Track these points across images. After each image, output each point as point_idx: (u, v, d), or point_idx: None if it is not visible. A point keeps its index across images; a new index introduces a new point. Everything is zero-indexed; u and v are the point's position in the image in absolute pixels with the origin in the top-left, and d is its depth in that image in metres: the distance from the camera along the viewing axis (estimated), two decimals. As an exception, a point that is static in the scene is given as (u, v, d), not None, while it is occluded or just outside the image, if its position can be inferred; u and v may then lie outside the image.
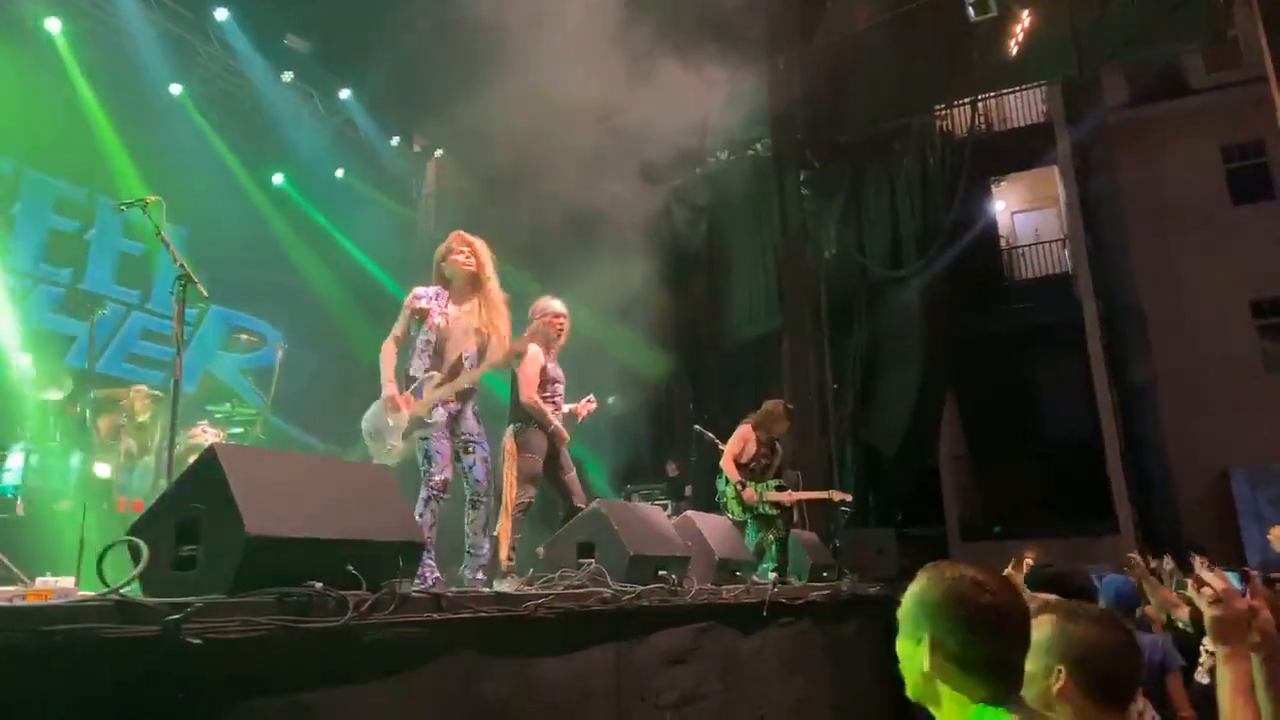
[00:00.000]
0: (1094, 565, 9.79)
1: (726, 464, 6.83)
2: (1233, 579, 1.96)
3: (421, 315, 4.53)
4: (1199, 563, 6.71)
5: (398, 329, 4.53)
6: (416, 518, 4.19)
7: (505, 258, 4.86)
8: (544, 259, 9.21)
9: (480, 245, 4.67)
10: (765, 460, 6.96)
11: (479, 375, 4.53)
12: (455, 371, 4.45)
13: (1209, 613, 1.89)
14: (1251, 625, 1.85)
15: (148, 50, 10.07)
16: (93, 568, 2.27)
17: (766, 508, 6.78)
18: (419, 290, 4.59)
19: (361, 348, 10.84)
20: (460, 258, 4.59)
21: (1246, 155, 14.53)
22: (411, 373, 4.45)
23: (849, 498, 7.73)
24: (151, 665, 1.98)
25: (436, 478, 4.30)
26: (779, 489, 6.87)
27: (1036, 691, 1.89)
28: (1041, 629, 1.92)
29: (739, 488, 6.75)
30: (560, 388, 5.30)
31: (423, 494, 4.30)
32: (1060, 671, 1.88)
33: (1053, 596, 2.59)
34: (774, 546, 6.77)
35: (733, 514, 6.80)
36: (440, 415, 4.36)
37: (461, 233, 4.70)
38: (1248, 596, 1.90)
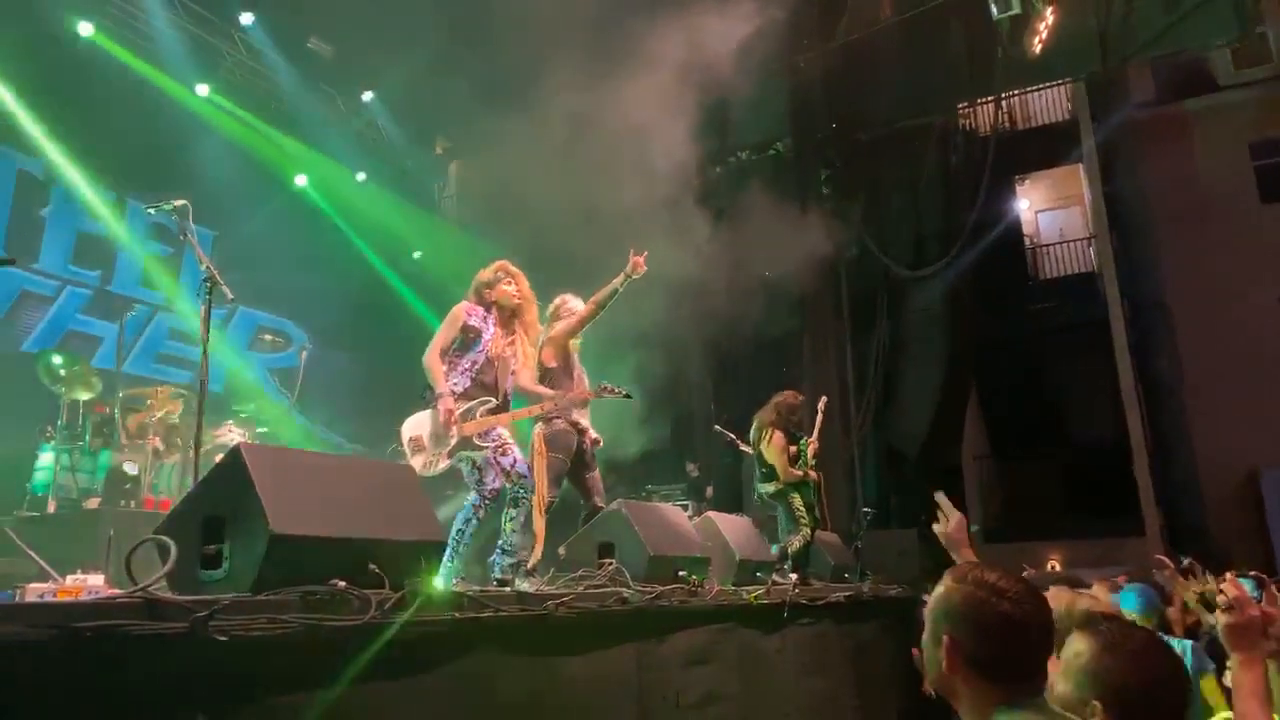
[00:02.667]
0: (1118, 568, 9.69)
1: (788, 476, 6.89)
2: (1247, 585, 1.95)
3: (472, 334, 4.53)
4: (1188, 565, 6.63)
5: (444, 341, 4.51)
6: (463, 524, 4.28)
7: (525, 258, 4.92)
8: (563, 259, 9.23)
9: (524, 280, 4.72)
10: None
11: (528, 416, 4.67)
12: (505, 404, 4.53)
13: (1221, 619, 1.89)
14: (1267, 632, 1.84)
15: (174, 53, 10.20)
16: (121, 565, 2.31)
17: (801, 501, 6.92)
18: (469, 307, 4.59)
19: (384, 349, 10.93)
20: (509, 290, 4.63)
21: (1275, 152, 14.30)
22: (451, 387, 4.43)
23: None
24: (178, 662, 2.02)
25: (490, 486, 4.38)
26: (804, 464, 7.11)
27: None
28: (1077, 650, 1.80)
29: (800, 475, 6.92)
30: (585, 382, 5.39)
31: (473, 500, 4.39)
32: (1097, 706, 1.72)
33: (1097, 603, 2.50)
34: (800, 549, 6.80)
35: (785, 528, 6.98)
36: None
37: (508, 264, 4.72)
38: (1263, 603, 1.89)
